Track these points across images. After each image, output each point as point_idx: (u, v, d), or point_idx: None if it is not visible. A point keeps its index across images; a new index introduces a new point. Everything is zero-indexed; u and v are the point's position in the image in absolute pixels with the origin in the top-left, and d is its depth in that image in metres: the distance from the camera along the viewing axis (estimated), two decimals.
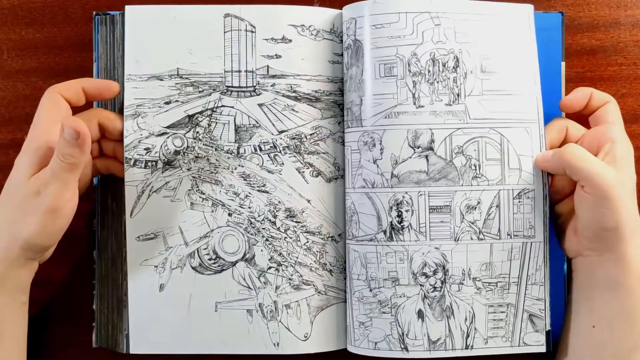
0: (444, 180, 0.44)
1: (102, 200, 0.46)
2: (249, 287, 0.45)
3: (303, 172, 0.46)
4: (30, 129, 0.41)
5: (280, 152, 0.46)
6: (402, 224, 0.44)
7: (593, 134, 0.44)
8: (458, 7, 0.44)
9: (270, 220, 0.46)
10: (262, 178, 0.46)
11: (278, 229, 0.45)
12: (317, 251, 0.46)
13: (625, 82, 0.49)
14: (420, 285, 0.44)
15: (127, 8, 0.45)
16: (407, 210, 0.44)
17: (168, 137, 0.45)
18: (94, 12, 0.46)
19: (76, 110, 0.42)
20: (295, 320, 0.45)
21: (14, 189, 0.40)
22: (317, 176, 0.46)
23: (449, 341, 0.44)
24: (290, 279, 0.45)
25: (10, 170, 0.41)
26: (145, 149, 0.45)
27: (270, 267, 0.45)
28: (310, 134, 0.46)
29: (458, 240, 0.44)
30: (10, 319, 0.41)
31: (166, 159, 0.45)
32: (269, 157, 0.46)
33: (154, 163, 0.45)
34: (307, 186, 0.46)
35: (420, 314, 0.44)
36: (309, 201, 0.46)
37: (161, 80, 0.45)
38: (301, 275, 0.45)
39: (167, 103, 0.45)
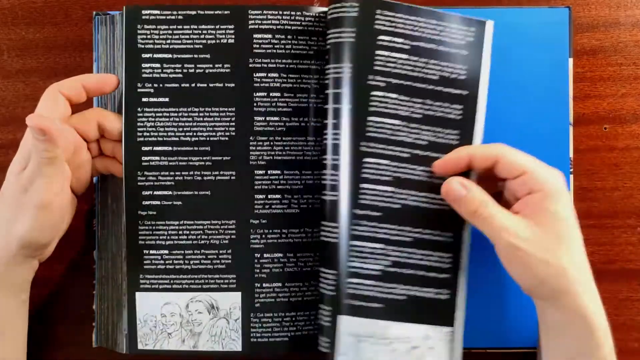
0: None
1: (102, 200, 0.46)
2: None
3: None
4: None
5: None
6: None
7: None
8: None
9: None
10: None
11: None
12: None
13: (625, 82, 0.49)
14: None
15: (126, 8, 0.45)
16: None
17: None
18: (94, 12, 0.46)
19: (77, 108, 0.42)
20: None
21: (6, 187, 0.40)
22: None
23: None
24: None
25: None
26: None
27: None
28: None
29: None
30: (10, 318, 0.41)
31: None
32: None
33: None
34: None
35: None
36: None
37: None
38: None
39: None
